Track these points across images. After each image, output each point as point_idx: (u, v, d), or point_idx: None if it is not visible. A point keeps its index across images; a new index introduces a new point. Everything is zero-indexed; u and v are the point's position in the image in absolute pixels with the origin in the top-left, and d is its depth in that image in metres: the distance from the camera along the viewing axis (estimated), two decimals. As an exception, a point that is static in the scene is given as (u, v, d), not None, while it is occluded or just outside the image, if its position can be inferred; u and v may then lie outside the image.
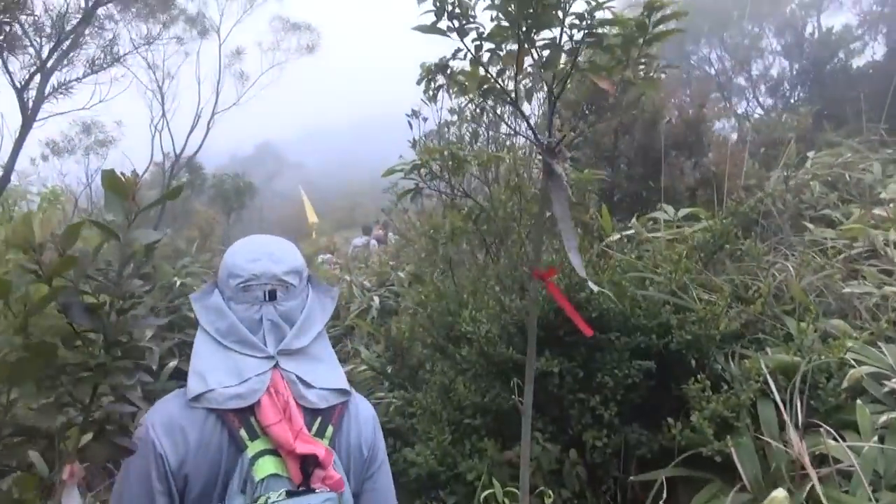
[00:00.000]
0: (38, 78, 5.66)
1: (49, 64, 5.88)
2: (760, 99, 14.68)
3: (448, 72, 2.60)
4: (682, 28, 2.66)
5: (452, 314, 4.28)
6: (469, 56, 2.53)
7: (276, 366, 1.59)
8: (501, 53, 2.47)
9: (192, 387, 1.54)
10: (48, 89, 5.80)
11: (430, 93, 2.75)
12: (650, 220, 5.43)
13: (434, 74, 2.65)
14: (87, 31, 6.29)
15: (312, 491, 1.48)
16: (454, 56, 2.51)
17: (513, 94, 2.54)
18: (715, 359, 3.73)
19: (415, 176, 3.59)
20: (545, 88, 2.74)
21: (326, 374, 1.66)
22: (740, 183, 5.96)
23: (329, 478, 1.50)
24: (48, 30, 5.52)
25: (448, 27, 2.38)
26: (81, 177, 9.25)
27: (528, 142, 5.97)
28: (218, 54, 10.35)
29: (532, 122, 6.91)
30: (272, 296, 1.65)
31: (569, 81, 2.52)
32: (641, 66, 2.70)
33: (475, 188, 4.92)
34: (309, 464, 1.49)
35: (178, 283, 7.68)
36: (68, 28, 5.78)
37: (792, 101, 13.74)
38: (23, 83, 5.55)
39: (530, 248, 4.14)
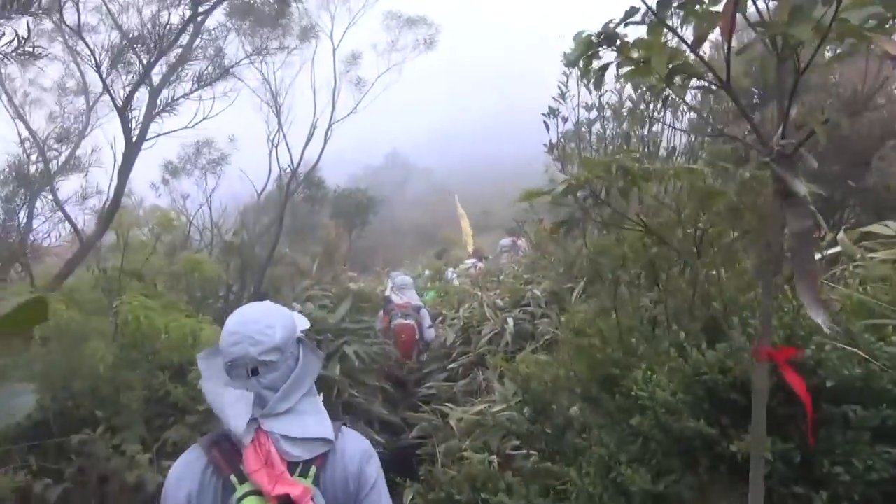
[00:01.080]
0: (139, 96, 5.25)
1: (156, 81, 5.48)
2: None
3: (617, 44, 1.69)
4: None
5: (617, 364, 3.35)
6: (650, 18, 1.63)
7: (258, 427, 1.92)
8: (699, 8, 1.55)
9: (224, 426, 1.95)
10: (156, 108, 5.40)
11: (591, 76, 1.84)
12: (862, 234, 4.22)
13: (595, 49, 1.73)
14: (195, 44, 5.87)
15: None
16: (626, 20, 1.61)
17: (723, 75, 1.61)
18: None
19: (569, 200, 2.66)
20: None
21: (314, 425, 1.98)
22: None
23: None
24: (152, 45, 5.06)
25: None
26: (199, 197, 9.01)
27: (689, 144, 4.93)
28: (332, 60, 9.77)
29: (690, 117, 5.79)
30: (255, 372, 1.96)
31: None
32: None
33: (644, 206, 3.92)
34: (287, 501, 1.83)
35: (297, 308, 7.13)
36: (174, 41, 5.31)
37: None
38: (123, 101, 5.11)
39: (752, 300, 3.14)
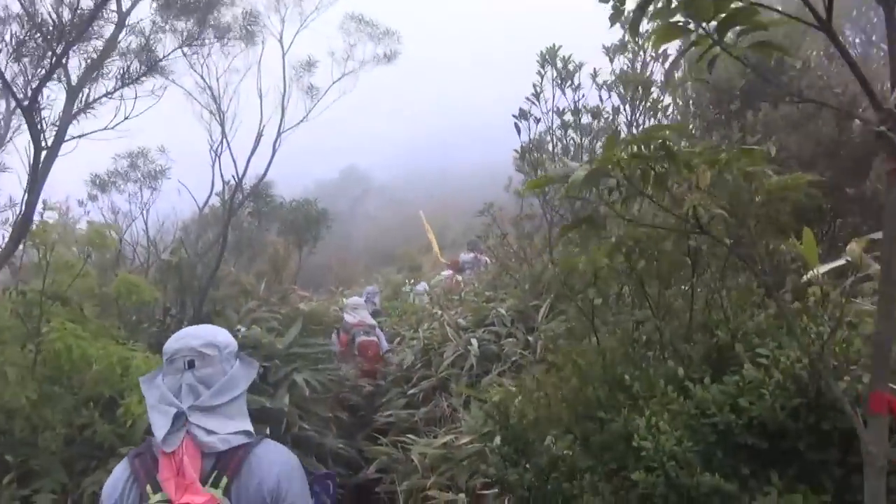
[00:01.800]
0: (53, 95, 4.63)
1: (74, 77, 4.87)
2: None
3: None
4: None
5: (601, 404, 2.88)
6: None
7: (186, 420, 2.01)
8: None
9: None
10: (73, 108, 4.78)
11: (630, 27, 1.36)
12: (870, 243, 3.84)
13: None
14: (120, 37, 5.26)
15: None
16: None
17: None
18: None
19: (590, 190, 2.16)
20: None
21: (234, 425, 2.07)
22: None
23: None
24: (65, 30, 4.43)
25: None
26: (134, 212, 8.29)
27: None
28: (282, 65, 9.13)
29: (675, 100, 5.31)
30: (191, 364, 2.09)
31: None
32: None
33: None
34: None
35: (242, 331, 6.52)
36: (88, 27, 4.67)
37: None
38: (30, 97, 4.46)
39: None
